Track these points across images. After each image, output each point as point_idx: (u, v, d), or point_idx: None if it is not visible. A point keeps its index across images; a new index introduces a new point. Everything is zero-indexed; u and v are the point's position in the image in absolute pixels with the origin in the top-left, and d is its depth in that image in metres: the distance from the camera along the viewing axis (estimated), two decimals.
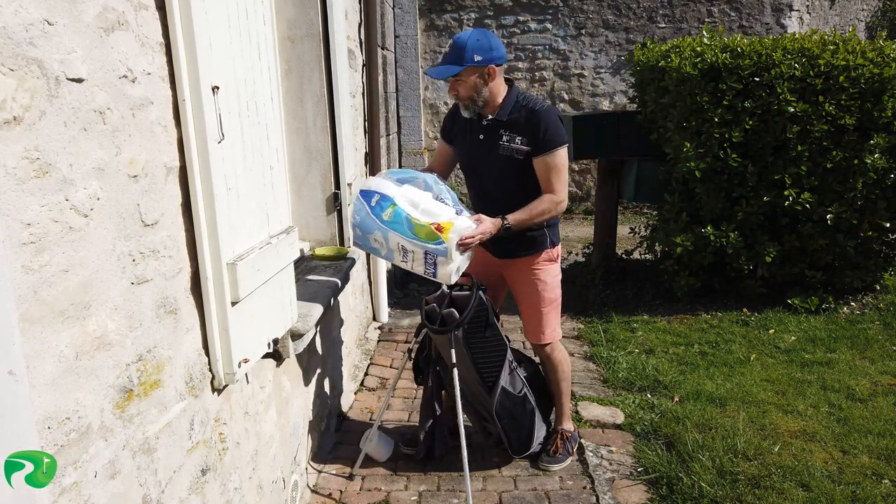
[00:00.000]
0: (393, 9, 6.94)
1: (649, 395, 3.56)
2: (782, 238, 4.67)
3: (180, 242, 1.68)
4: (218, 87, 1.74)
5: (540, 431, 2.99)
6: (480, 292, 2.69)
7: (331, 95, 3.10)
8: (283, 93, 2.81)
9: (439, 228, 2.47)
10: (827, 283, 4.81)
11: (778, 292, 4.85)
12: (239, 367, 1.89)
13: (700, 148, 4.57)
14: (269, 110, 2.20)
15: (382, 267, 4.59)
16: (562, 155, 2.67)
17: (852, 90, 4.33)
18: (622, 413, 3.37)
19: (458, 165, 2.98)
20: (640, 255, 5.63)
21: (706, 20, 8.50)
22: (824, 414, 3.29)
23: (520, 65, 8.86)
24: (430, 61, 8.48)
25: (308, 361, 2.85)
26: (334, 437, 3.20)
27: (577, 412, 3.37)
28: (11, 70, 1.11)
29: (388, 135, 5.93)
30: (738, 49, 4.51)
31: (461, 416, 2.71)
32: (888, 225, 4.61)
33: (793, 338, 4.27)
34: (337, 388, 3.37)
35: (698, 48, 4.68)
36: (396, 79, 7.49)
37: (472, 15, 8.70)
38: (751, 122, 4.46)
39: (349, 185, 3.25)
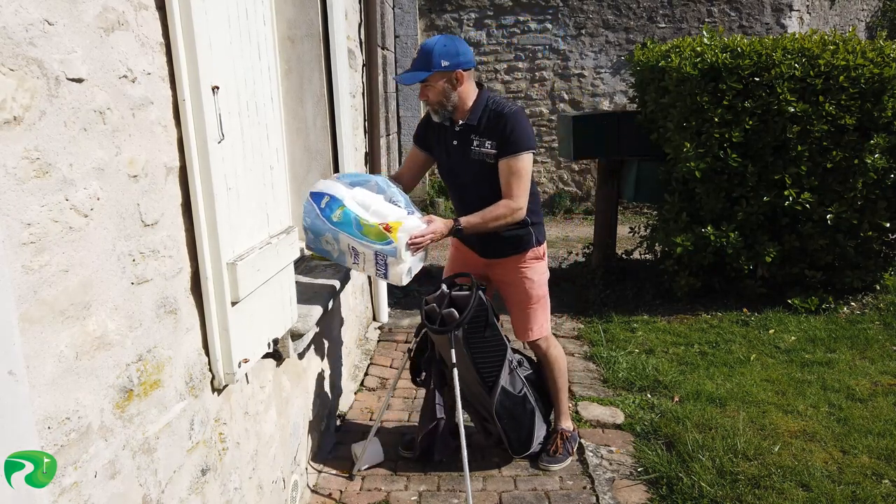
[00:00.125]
0: (393, 9, 6.94)
1: (649, 395, 3.56)
2: (782, 238, 4.67)
3: (180, 242, 1.68)
4: (218, 87, 1.74)
5: (540, 431, 2.99)
6: (480, 292, 2.69)
7: (331, 95, 3.11)
8: (283, 93, 2.81)
9: (388, 228, 2.47)
10: (827, 283, 4.81)
11: (778, 292, 4.85)
12: (239, 367, 1.89)
13: (700, 148, 4.57)
14: (269, 110, 2.20)
15: None
16: (525, 160, 2.62)
17: (852, 90, 4.33)
18: (622, 413, 3.37)
19: (430, 171, 2.99)
20: (640, 255, 5.63)
21: (706, 20, 8.50)
22: (824, 414, 3.29)
23: (520, 65, 8.86)
24: None
25: (308, 361, 2.85)
26: (334, 437, 3.20)
27: (577, 412, 3.37)
28: (11, 70, 1.11)
29: (388, 135, 5.93)
30: (738, 49, 4.51)
31: (461, 416, 2.71)
32: (888, 225, 4.61)
33: (793, 338, 4.27)
34: (337, 388, 3.37)
35: (698, 48, 4.68)
36: None
37: (472, 15, 8.70)
38: (751, 122, 4.46)
39: None
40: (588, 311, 4.93)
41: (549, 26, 8.74)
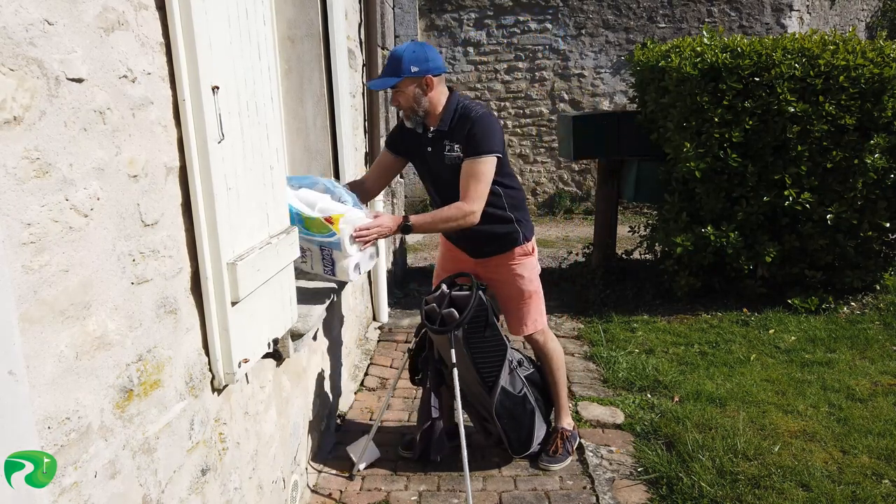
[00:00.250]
0: (393, 9, 6.94)
1: (649, 395, 3.56)
2: (782, 238, 4.67)
3: (180, 242, 1.68)
4: (218, 87, 1.74)
5: (540, 431, 2.99)
6: (480, 292, 2.69)
7: (331, 95, 3.11)
8: (283, 93, 2.81)
9: (329, 220, 2.45)
10: (827, 283, 4.81)
11: (778, 292, 4.85)
12: (239, 367, 1.89)
13: (700, 148, 4.57)
14: (269, 110, 2.20)
15: (382, 267, 4.59)
16: (486, 163, 2.60)
17: (852, 90, 4.33)
18: (622, 413, 3.37)
19: (398, 176, 2.98)
20: (640, 255, 5.63)
21: (706, 20, 8.51)
22: (824, 414, 3.29)
23: (520, 65, 8.87)
24: None
25: (308, 361, 2.85)
26: (334, 437, 3.20)
27: (577, 412, 3.37)
28: (11, 70, 1.11)
29: (388, 135, 5.92)
30: (738, 49, 4.51)
31: (461, 416, 2.71)
32: (888, 225, 4.61)
33: (793, 338, 4.27)
34: (337, 388, 3.37)
35: (698, 48, 4.68)
36: None
37: (472, 15, 8.70)
38: (751, 122, 4.46)
39: None
40: (588, 311, 4.93)
41: (549, 26, 8.74)
